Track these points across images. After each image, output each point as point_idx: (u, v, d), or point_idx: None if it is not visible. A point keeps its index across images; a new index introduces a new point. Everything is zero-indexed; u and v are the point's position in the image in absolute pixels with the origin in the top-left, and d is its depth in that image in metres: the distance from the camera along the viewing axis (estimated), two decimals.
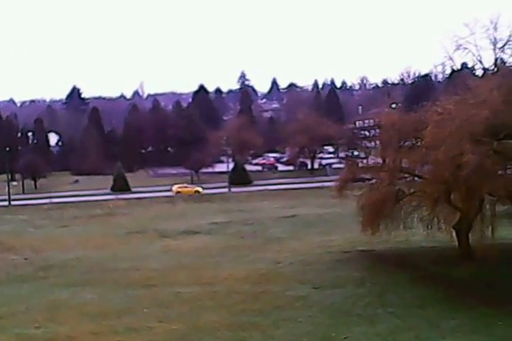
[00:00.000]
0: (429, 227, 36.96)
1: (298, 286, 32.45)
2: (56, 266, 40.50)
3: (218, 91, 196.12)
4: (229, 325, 26.24)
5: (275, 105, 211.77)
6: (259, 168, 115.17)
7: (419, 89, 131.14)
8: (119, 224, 60.24)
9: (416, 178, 38.08)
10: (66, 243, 50.19)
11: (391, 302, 28.54)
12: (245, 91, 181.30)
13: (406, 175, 38.10)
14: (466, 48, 33.88)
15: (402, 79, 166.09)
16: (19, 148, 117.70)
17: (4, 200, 79.66)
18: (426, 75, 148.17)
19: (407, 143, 37.97)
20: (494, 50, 33.28)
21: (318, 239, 46.27)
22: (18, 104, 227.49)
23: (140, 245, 47.99)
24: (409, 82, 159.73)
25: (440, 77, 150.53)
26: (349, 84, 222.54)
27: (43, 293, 33.45)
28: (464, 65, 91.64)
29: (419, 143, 36.55)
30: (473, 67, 39.74)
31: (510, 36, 32.45)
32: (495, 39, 32.93)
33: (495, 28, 31.99)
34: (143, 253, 44.17)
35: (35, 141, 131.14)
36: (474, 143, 28.99)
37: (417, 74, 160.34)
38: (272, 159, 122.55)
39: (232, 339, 24.37)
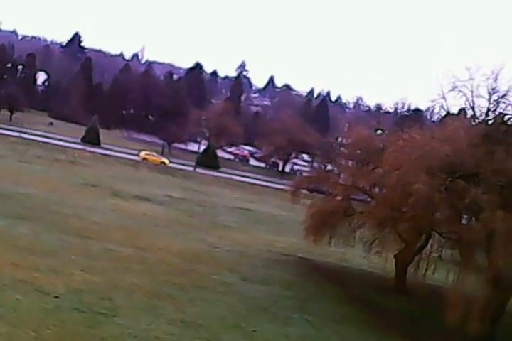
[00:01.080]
0: (370, 250, 37.37)
1: (227, 273, 32.75)
2: (2, 196, 40.17)
3: (214, 74, 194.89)
4: (147, 291, 26.48)
5: (266, 102, 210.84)
6: (231, 157, 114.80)
7: (409, 122, 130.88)
8: (78, 173, 59.94)
9: (368, 199, 38.87)
10: (21, 177, 49.85)
11: (311, 311, 28.90)
12: (239, 80, 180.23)
13: (359, 193, 38.72)
14: (461, 91, 33.90)
15: (395, 109, 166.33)
16: (5, 77, 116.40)
17: None
18: (419, 110, 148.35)
19: (369, 164, 38.46)
20: (489, 100, 33.37)
21: (264, 236, 46.48)
22: (20, 37, 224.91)
23: (90, 198, 47.80)
24: (402, 112, 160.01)
25: (435, 117, 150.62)
26: (344, 100, 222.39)
27: None
28: (460, 111, 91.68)
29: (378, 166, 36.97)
30: (464, 111, 39.80)
31: (507, 91, 32.53)
32: (492, 89, 33.06)
33: (495, 79, 32.15)
34: (90, 206, 44.08)
35: (23, 75, 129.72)
36: (429, 175, 29.29)
37: (410, 107, 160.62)
38: (246, 152, 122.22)
39: (145, 304, 24.51)
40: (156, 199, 53.77)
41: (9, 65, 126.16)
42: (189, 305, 25.78)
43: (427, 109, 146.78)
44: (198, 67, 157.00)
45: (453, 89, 34.22)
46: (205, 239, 40.70)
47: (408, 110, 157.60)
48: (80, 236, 33.90)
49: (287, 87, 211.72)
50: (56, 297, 23.00)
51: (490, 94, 33.44)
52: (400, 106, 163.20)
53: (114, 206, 46.34)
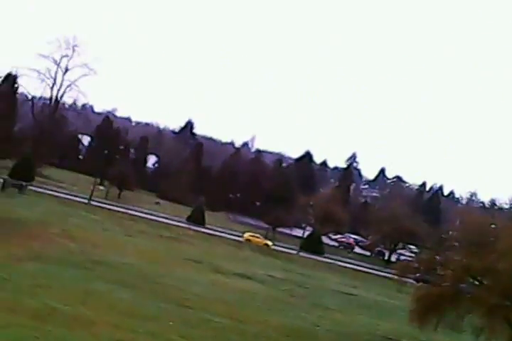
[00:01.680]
0: (477, 337, 35.67)
1: None
2: (106, 264, 40.82)
3: (324, 164, 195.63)
4: None
5: (375, 194, 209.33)
6: (335, 244, 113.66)
7: None
8: (181, 249, 60.31)
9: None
10: (124, 249, 50.55)
11: None
12: (349, 170, 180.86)
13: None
14: None
15: (511, 205, 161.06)
16: (117, 157, 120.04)
17: (85, 198, 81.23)
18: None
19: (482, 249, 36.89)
20: None
21: (365, 320, 45.19)
22: (134, 123, 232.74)
23: (191, 272, 47.86)
24: None
25: None
26: (457, 195, 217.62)
27: (83, 281, 33.74)
28: None
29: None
30: None
31: None
32: None
33: None
34: (191, 279, 44.08)
35: (134, 157, 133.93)
36: None
37: None
38: (351, 239, 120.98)
39: None
40: (257, 277, 53.30)
41: (122, 147, 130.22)
42: None
43: None
44: (307, 156, 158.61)
45: None
46: (305, 317, 39.86)
47: None
48: (179, 305, 33.76)
49: (398, 178, 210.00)
50: None
51: None
52: None
53: (214, 281, 46.14)
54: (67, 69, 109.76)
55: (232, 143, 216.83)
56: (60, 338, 22.39)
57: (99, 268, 38.90)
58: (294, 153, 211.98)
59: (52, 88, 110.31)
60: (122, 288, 34.54)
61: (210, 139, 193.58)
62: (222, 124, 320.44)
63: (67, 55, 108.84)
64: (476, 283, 37.34)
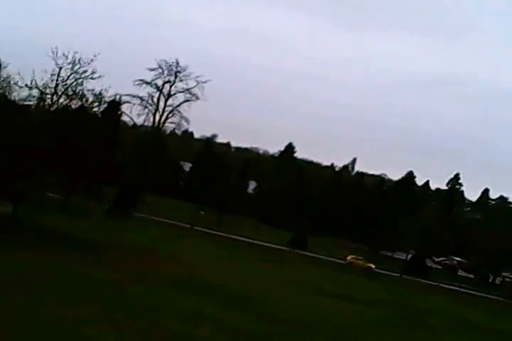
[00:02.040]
0: None
1: None
2: (212, 286, 41.69)
3: (426, 185, 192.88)
4: None
5: (478, 216, 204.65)
6: (439, 266, 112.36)
7: None
8: (283, 272, 60.69)
9: None
10: (229, 272, 51.45)
11: None
12: (452, 191, 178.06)
13: None
14: None
15: None
16: (218, 182, 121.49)
17: (188, 223, 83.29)
18: None
19: None
20: None
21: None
22: (233, 149, 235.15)
23: (295, 294, 48.15)
24: None
25: None
26: None
27: (191, 302, 34.42)
28: None
29: None
30: None
31: None
32: None
33: None
34: (295, 301, 44.32)
35: (234, 182, 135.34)
36: None
37: None
38: (455, 262, 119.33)
39: None
40: (359, 299, 53.04)
41: (223, 172, 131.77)
42: None
43: None
44: (409, 177, 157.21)
45: None
46: (414, 338, 39.61)
47: None
48: (286, 326, 34.05)
49: (502, 198, 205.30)
50: None
51: None
52: None
53: (319, 303, 46.23)
54: (169, 95, 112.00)
55: (332, 167, 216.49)
56: None
57: (206, 291, 39.61)
58: (395, 174, 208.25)
59: (154, 114, 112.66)
60: (230, 309, 35.07)
61: (310, 163, 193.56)
62: (322, 147, 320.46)
63: (169, 81, 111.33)
64: None
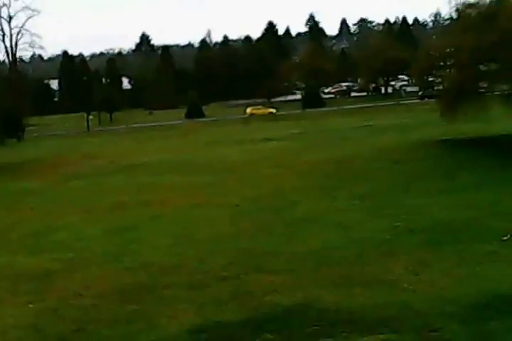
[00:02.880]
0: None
1: (378, 162, 33.50)
2: (140, 165, 41.93)
3: (287, 32, 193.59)
4: (313, 187, 27.63)
5: (345, 46, 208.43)
6: (331, 96, 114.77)
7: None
8: (196, 138, 61.24)
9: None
10: (146, 151, 51.69)
11: (471, 167, 29.30)
12: (316, 30, 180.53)
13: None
14: None
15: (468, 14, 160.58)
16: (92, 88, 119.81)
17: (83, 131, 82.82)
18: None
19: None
20: None
21: (396, 136, 46.48)
22: (88, 58, 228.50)
23: (219, 149, 48.98)
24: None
25: None
26: (421, 20, 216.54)
27: (132, 179, 35.15)
28: None
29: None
30: None
31: None
32: None
33: None
34: (222, 154, 45.11)
35: (108, 80, 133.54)
36: None
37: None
38: (344, 87, 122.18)
39: (322, 196, 25.38)
40: (278, 138, 53.93)
41: (93, 77, 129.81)
42: (358, 187, 26.58)
43: None
44: (271, 26, 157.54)
45: None
46: (342, 149, 41.13)
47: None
48: (229, 171, 34.99)
49: (363, 20, 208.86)
50: None
51: None
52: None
53: (243, 149, 46.42)
54: (10, 17, 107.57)
55: (191, 45, 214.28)
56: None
57: (136, 169, 40.09)
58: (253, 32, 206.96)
59: (3, 40, 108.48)
60: (167, 175, 35.82)
61: (168, 46, 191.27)
62: (174, 30, 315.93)
63: (4, 4, 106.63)
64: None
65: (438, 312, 11.70)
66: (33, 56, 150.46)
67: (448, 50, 41.05)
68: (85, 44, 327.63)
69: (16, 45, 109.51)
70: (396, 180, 27.59)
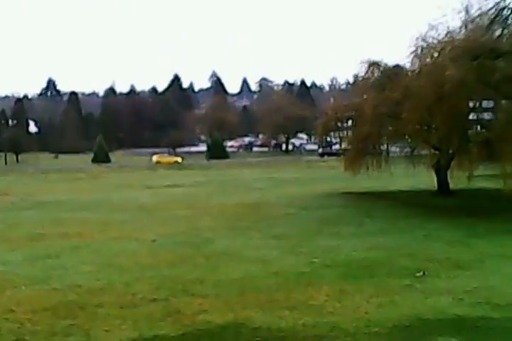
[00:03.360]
0: (412, 165, 39.05)
1: (286, 208, 34.75)
2: (52, 203, 42.05)
3: (191, 86, 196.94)
4: (227, 227, 28.38)
5: (246, 103, 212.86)
6: (234, 149, 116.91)
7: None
8: (105, 182, 61.63)
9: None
10: (56, 191, 51.88)
11: (376, 216, 30.79)
12: (218, 86, 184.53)
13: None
14: (437, 30, 35.97)
15: (372, 73, 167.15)
16: None
17: None
18: (397, 66, 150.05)
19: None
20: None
21: (299, 188, 48.14)
22: None
23: (129, 192, 49.57)
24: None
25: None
26: (318, 84, 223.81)
27: (46, 214, 35.21)
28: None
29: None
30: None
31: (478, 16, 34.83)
32: (466, 20, 35.32)
33: (466, 11, 34.44)
34: (132, 196, 45.78)
35: (15, 122, 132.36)
36: (454, 63, 31.01)
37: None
38: (246, 141, 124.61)
39: (237, 235, 26.11)
40: (185, 184, 55.34)
41: None
42: (270, 229, 27.50)
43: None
44: (176, 78, 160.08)
45: (431, 29, 35.86)
46: (250, 196, 42.40)
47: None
48: (141, 210, 35.70)
49: (264, 80, 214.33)
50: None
51: (465, 25, 35.72)
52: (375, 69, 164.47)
53: (154, 193, 48.00)
54: None
55: (95, 94, 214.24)
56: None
57: (49, 206, 40.17)
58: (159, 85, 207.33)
59: None
60: (80, 211, 36.05)
61: (74, 93, 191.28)
62: (81, 78, 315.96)
63: None
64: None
65: (366, 332, 12.62)
66: None
67: (350, 109, 43.12)
68: None
69: None
70: (307, 224, 28.73)
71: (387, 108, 38.02)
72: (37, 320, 13.97)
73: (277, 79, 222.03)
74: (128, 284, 17.25)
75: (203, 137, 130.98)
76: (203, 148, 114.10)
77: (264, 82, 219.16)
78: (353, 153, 40.70)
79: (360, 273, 18.02)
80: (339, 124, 46.46)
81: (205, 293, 16.08)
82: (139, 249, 23.10)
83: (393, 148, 43.10)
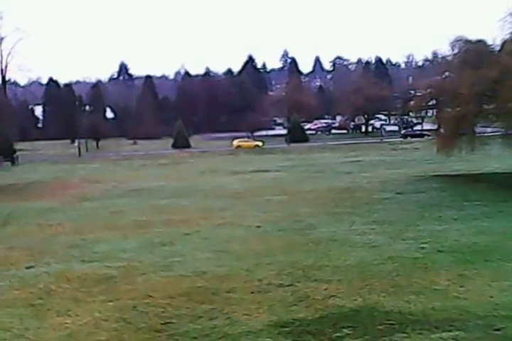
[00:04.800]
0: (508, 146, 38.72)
1: (381, 193, 35.01)
2: (145, 190, 43.03)
3: (263, 67, 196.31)
4: (326, 212, 28.79)
5: (319, 83, 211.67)
6: (311, 132, 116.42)
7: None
8: (189, 168, 62.48)
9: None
10: (143, 177, 52.78)
11: (475, 199, 30.75)
12: (293, 67, 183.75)
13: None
14: None
15: (453, 48, 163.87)
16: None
17: (74, 154, 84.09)
18: (480, 41, 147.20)
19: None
20: None
21: (387, 172, 48.07)
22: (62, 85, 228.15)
23: (216, 178, 50.36)
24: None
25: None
26: (394, 62, 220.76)
27: (143, 202, 36.22)
28: None
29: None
30: None
31: None
32: None
33: None
34: (221, 182, 46.46)
35: (92, 108, 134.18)
36: None
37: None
38: (324, 124, 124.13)
39: (338, 220, 26.54)
40: (271, 169, 55.76)
41: (77, 104, 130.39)
42: (369, 214, 27.83)
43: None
44: (250, 59, 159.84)
45: None
46: (340, 180, 42.77)
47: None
48: (235, 198, 36.11)
49: (339, 58, 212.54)
50: None
51: None
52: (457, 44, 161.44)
53: (241, 178, 48.60)
54: (1, 39, 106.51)
55: (164, 76, 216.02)
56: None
57: (143, 193, 41.18)
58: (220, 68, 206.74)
59: None
60: (175, 198, 36.98)
61: (149, 77, 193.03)
62: (150, 61, 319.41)
63: None
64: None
65: (495, 315, 13.06)
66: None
67: (441, 88, 42.44)
68: (62, 71, 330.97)
69: (6, 67, 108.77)
70: (407, 208, 28.95)
71: (484, 87, 37.70)
72: (177, 304, 14.80)
73: (351, 57, 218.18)
74: (249, 270, 17.96)
75: (278, 120, 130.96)
76: (280, 131, 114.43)
77: (338, 61, 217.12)
78: (447, 134, 40.38)
79: (474, 258, 18.36)
80: (432, 103, 45.92)
81: (328, 279, 16.66)
82: (247, 235, 23.80)
83: (485, 129, 42.70)
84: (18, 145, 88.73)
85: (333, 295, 15.05)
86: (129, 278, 17.48)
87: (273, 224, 25.99)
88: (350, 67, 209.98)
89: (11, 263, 20.76)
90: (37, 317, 14.46)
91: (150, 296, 15.56)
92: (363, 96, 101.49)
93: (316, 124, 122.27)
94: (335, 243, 21.74)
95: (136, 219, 29.10)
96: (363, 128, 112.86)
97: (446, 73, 43.75)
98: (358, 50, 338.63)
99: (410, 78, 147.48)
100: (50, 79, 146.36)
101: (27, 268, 19.79)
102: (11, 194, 45.03)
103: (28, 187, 49.65)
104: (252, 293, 15.60)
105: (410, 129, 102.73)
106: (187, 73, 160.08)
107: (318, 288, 15.79)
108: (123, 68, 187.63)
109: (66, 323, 13.82)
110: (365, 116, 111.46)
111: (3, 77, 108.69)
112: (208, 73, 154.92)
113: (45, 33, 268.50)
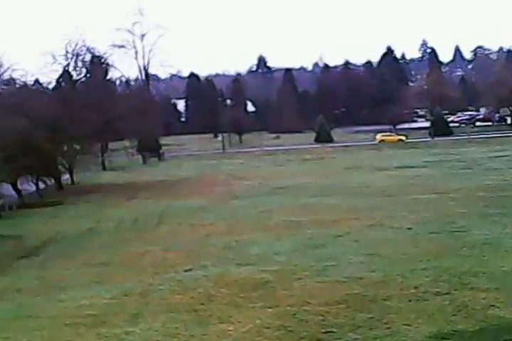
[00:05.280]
0: None
1: None
2: (290, 187, 43.70)
3: (402, 58, 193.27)
4: (477, 213, 28.39)
5: (459, 73, 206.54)
6: (455, 124, 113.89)
7: None
8: (333, 163, 62.81)
9: None
10: (290, 175, 53.45)
11: None
12: (433, 57, 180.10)
13: None
14: None
15: None
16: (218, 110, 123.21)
17: (218, 149, 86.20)
18: None
19: None
20: None
21: None
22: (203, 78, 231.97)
23: (361, 174, 50.50)
24: None
25: None
26: None
27: (291, 200, 36.83)
28: None
29: None
30: None
31: None
32: None
33: None
34: (367, 179, 46.55)
35: (233, 102, 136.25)
36: None
37: None
38: (467, 116, 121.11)
39: (485, 222, 26.01)
40: (416, 165, 55.34)
41: (219, 98, 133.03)
42: None
43: None
44: (389, 51, 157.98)
45: None
46: (489, 178, 41.92)
47: None
48: (383, 196, 36.33)
49: (480, 47, 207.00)
50: None
51: None
52: None
53: (386, 175, 48.55)
54: (143, 35, 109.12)
55: (303, 68, 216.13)
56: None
57: (289, 191, 41.92)
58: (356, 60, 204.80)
59: (136, 58, 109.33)
60: (323, 197, 37.46)
61: (289, 70, 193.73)
62: (285, 54, 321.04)
63: (137, 22, 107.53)
64: None
65: None
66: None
67: None
68: (201, 65, 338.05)
69: (148, 63, 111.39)
70: None
71: None
72: (335, 312, 15.09)
73: (492, 46, 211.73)
74: (404, 276, 18.02)
75: (420, 112, 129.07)
76: (422, 124, 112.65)
77: (479, 51, 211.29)
78: None
79: None
80: None
81: (485, 287, 16.51)
82: (399, 238, 23.84)
83: None
84: (162, 140, 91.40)
85: (492, 305, 14.94)
86: (286, 283, 17.90)
87: (424, 226, 25.89)
88: (491, 56, 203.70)
89: (169, 265, 21.68)
90: (200, 323, 15.00)
91: (308, 303, 15.89)
92: (508, 87, 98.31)
93: (459, 117, 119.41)
94: (489, 247, 21.43)
95: (285, 219, 29.70)
96: (509, 120, 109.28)
97: None
98: (499, 38, 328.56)
99: None
100: (192, 74, 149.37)
101: (185, 271, 20.61)
102: (162, 191, 46.78)
103: (177, 184, 51.40)
104: (410, 301, 15.68)
105: None
106: (326, 65, 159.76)
107: (476, 296, 15.70)
108: (261, 61, 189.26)
109: (229, 330, 14.29)
110: (511, 107, 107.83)
111: (146, 74, 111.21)
112: (346, 65, 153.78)
113: (184, 28, 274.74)
